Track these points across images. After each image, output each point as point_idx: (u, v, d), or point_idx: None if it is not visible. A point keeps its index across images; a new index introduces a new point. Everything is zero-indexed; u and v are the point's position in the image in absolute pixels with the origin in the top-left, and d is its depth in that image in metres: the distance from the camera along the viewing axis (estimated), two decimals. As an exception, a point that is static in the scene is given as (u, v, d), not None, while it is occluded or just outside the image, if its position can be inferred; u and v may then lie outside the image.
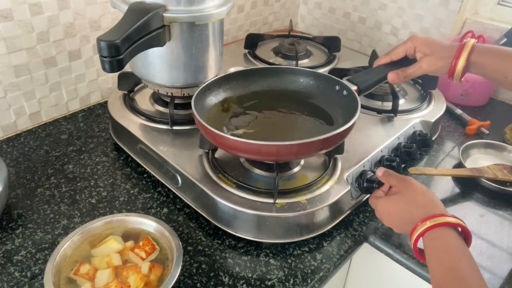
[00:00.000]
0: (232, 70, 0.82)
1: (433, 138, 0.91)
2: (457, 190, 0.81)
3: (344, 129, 0.61)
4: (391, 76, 0.71)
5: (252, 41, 1.13)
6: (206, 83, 0.72)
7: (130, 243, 0.61)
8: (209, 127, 0.61)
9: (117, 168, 0.80)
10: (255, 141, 0.58)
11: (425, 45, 0.69)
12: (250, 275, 0.62)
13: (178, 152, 0.74)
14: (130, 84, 0.88)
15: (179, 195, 0.73)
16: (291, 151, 0.60)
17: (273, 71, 0.80)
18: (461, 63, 0.64)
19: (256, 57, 1.09)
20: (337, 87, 0.74)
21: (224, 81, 0.76)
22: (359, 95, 0.70)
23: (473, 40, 0.65)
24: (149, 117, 0.82)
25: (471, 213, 0.75)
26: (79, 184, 0.76)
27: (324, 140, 0.59)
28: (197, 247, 0.66)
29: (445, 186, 0.81)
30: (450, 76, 0.67)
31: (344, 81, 0.73)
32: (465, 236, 0.54)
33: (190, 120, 0.78)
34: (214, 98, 0.75)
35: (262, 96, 0.78)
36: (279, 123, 0.73)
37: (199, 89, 0.70)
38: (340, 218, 0.70)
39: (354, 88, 0.71)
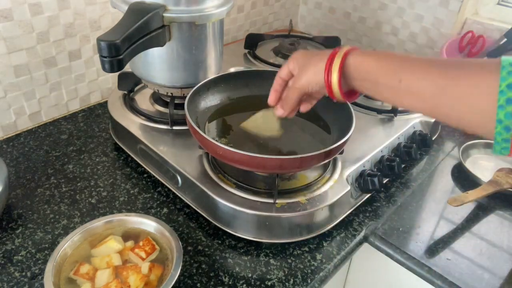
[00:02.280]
0: (232, 70, 0.82)
1: (433, 138, 0.91)
2: (457, 190, 0.81)
3: (346, 138, 0.62)
4: (278, 113, 0.63)
5: (252, 41, 1.13)
6: (195, 88, 0.72)
7: (130, 243, 0.61)
8: (209, 138, 0.61)
9: (117, 168, 0.80)
10: (257, 154, 0.57)
11: (297, 61, 0.58)
12: (250, 275, 0.62)
13: (178, 152, 0.74)
14: (130, 84, 0.88)
15: (179, 195, 0.73)
16: (295, 164, 0.60)
17: (262, 74, 0.80)
18: (334, 74, 0.52)
19: (256, 57, 1.09)
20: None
21: (213, 84, 0.76)
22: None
23: (346, 47, 0.53)
24: (149, 117, 0.82)
25: (471, 213, 0.75)
26: (79, 184, 0.76)
27: (326, 152, 0.60)
28: (197, 247, 0.65)
29: (445, 186, 0.81)
30: (331, 94, 0.55)
31: None
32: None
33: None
34: (204, 103, 0.75)
35: (251, 100, 0.78)
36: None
37: (188, 96, 0.69)
38: (340, 218, 0.70)
39: None
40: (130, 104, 0.85)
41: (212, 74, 0.79)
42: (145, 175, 0.79)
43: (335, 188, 0.68)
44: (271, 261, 0.64)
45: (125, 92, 0.87)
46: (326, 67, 0.53)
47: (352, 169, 0.72)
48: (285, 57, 1.09)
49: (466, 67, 0.43)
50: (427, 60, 0.47)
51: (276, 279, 0.61)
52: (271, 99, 0.63)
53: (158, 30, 0.67)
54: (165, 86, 0.78)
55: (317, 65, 0.54)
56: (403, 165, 0.81)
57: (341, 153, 0.70)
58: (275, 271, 0.63)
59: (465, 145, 0.88)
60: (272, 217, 0.63)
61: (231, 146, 0.59)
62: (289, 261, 0.64)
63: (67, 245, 0.58)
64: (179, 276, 0.55)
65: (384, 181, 0.79)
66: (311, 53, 0.58)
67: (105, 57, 0.59)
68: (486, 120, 0.40)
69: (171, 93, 0.79)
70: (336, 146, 0.60)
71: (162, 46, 0.70)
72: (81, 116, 0.95)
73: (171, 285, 0.53)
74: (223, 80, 0.77)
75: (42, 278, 0.55)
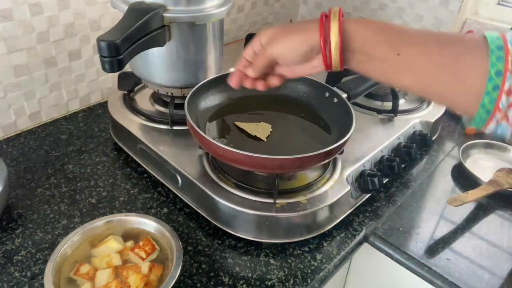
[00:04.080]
0: (232, 70, 0.82)
1: (433, 138, 0.91)
2: (457, 190, 0.81)
3: (346, 138, 0.62)
4: (232, 82, 0.56)
5: (252, 41, 1.13)
6: (195, 88, 0.72)
7: (130, 243, 0.61)
8: (208, 138, 0.61)
9: (117, 168, 0.80)
10: (257, 154, 0.57)
11: (266, 37, 0.51)
12: (250, 275, 0.62)
13: (178, 152, 0.74)
14: (130, 84, 0.88)
15: (179, 195, 0.73)
16: (295, 164, 0.60)
17: None
18: (333, 38, 0.46)
19: (256, 57, 1.09)
20: (326, 94, 0.75)
21: (213, 84, 0.76)
22: (349, 101, 0.71)
23: (335, 9, 0.48)
24: (149, 117, 0.82)
25: (471, 213, 0.75)
26: (79, 184, 0.76)
27: (326, 152, 0.60)
28: (197, 247, 0.65)
29: (445, 186, 0.81)
30: (325, 62, 0.48)
31: (334, 88, 0.73)
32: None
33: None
34: (204, 103, 0.75)
35: (251, 100, 0.78)
36: (274, 130, 0.73)
37: (188, 96, 0.69)
38: (340, 218, 0.70)
39: (344, 95, 0.72)
40: (130, 104, 0.85)
41: (212, 74, 0.79)
42: (145, 175, 0.79)
43: (335, 188, 0.68)
44: (271, 261, 0.64)
45: (125, 92, 0.87)
46: (321, 32, 0.47)
47: (352, 169, 0.72)
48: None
49: (464, 45, 0.42)
50: (425, 34, 0.45)
51: (276, 279, 0.61)
52: (232, 81, 0.56)
53: (158, 30, 0.67)
54: (165, 86, 0.78)
55: (301, 34, 0.49)
56: (403, 165, 0.81)
57: (341, 153, 0.70)
58: (275, 271, 0.63)
59: (465, 145, 0.88)
60: (272, 217, 0.63)
61: (231, 146, 0.59)
62: (289, 261, 0.64)
63: (67, 245, 0.58)
64: (179, 276, 0.55)
65: (384, 181, 0.79)
66: (286, 26, 0.52)
67: (105, 57, 0.59)
68: (477, 101, 0.41)
69: (171, 93, 0.79)
70: (336, 146, 0.60)
71: (162, 46, 0.70)
72: (81, 116, 0.95)
73: (171, 285, 0.53)
74: (223, 80, 0.77)
75: (42, 278, 0.55)
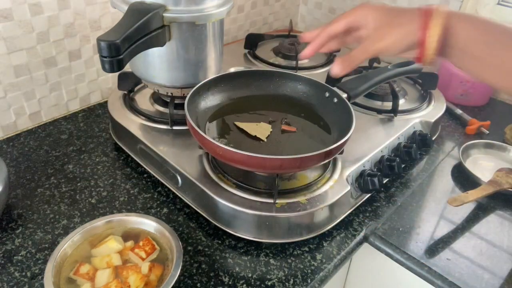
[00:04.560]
0: (232, 70, 0.82)
1: (433, 138, 0.91)
2: (457, 190, 0.81)
3: (346, 138, 0.62)
4: (335, 70, 0.54)
5: (252, 41, 1.13)
6: (195, 88, 0.72)
7: (130, 243, 0.61)
8: (208, 138, 0.61)
9: (117, 168, 0.80)
10: (257, 154, 0.57)
11: (372, 18, 0.51)
12: (250, 275, 0.62)
13: (178, 152, 0.74)
14: (130, 84, 0.88)
15: (179, 195, 0.73)
16: (295, 164, 0.60)
17: (262, 74, 0.80)
18: (434, 33, 0.46)
19: (256, 57, 1.09)
20: (326, 94, 0.75)
21: (213, 84, 0.76)
22: (349, 101, 0.71)
23: (442, 6, 0.47)
24: (149, 117, 0.82)
25: (471, 213, 0.75)
26: (79, 184, 0.76)
27: (326, 152, 0.60)
28: (197, 247, 0.66)
29: (445, 186, 0.81)
30: (421, 57, 0.49)
31: (334, 88, 0.73)
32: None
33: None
34: (204, 103, 0.75)
35: (251, 100, 0.78)
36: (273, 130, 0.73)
37: (188, 96, 0.69)
38: (340, 218, 0.70)
39: (344, 95, 0.72)
40: (130, 104, 0.85)
41: (212, 74, 0.79)
42: (145, 175, 0.79)
43: (335, 188, 0.68)
44: (271, 261, 0.64)
45: (125, 92, 0.87)
46: (424, 27, 0.46)
47: (352, 169, 0.72)
48: (285, 57, 1.09)
49: None
50: None
51: (276, 279, 0.61)
52: (308, 53, 0.56)
53: (158, 30, 0.67)
54: (165, 86, 0.78)
55: (405, 27, 0.48)
56: (403, 165, 0.81)
57: (341, 153, 0.70)
58: (275, 271, 0.63)
59: (465, 145, 0.88)
60: (272, 217, 0.63)
61: (231, 146, 0.59)
62: (289, 261, 0.64)
63: (67, 245, 0.58)
64: (179, 276, 0.55)
65: (384, 181, 0.79)
66: (388, 9, 0.51)
67: (105, 57, 0.59)
68: None
69: (171, 93, 0.79)
70: (336, 146, 0.60)
71: (162, 46, 0.70)
72: (81, 116, 0.95)
73: (171, 285, 0.53)
74: (223, 80, 0.77)
75: (42, 278, 0.55)
